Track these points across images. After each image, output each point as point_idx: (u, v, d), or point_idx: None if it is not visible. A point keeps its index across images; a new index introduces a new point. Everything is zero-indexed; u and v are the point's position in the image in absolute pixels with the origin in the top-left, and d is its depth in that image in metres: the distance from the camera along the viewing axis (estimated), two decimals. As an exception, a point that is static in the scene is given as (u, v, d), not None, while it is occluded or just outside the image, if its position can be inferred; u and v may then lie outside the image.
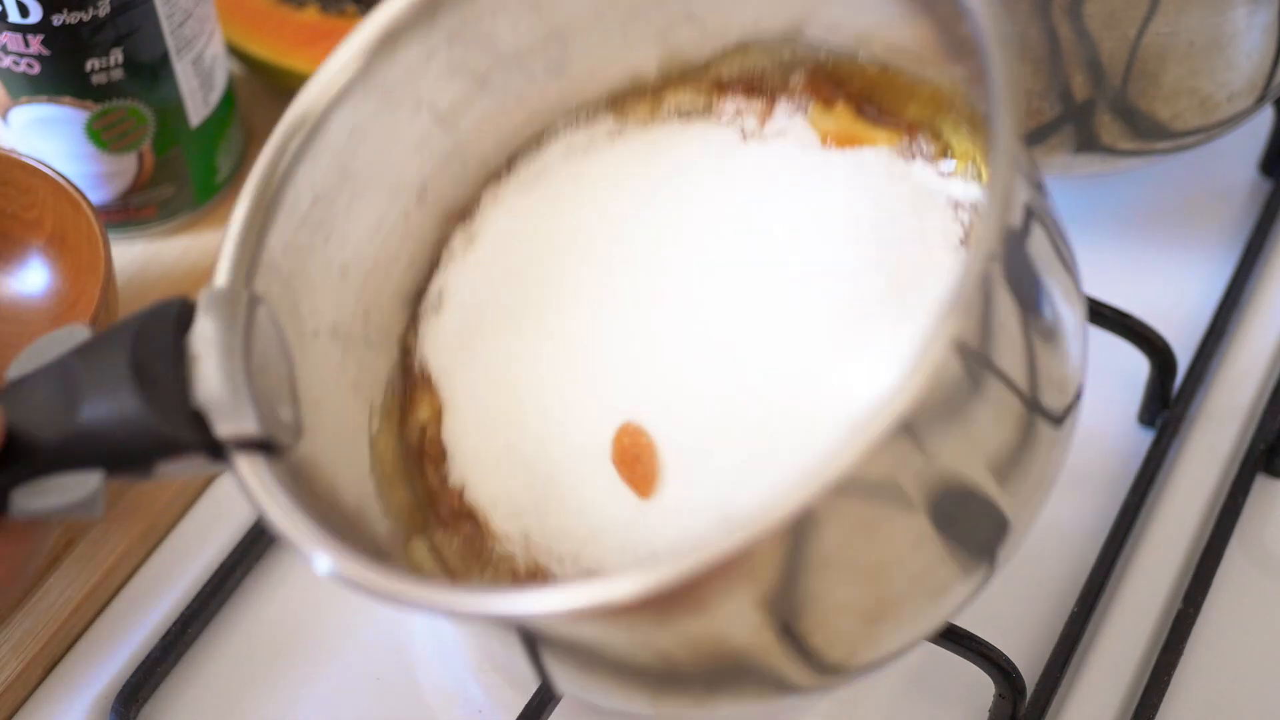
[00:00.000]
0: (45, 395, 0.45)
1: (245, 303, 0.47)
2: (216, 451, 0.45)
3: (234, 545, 0.64)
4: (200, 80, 0.72)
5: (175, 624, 0.62)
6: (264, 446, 0.45)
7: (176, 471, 0.46)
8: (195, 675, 0.62)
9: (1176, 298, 0.73)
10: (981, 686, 0.59)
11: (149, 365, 0.45)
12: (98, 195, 0.73)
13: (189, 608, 0.63)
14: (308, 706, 0.62)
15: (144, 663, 0.61)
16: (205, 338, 0.45)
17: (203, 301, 0.47)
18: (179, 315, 0.46)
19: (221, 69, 0.74)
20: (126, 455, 0.45)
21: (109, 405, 0.44)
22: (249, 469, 0.45)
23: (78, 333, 0.46)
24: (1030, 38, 0.64)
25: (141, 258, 0.74)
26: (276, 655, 0.63)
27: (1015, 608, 0.63)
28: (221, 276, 0.49)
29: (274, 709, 0.62)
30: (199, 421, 0.45)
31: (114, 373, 0.44)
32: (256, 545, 0.64)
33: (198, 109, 0.73)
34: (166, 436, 0.44)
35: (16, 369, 0.46)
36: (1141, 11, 0.63)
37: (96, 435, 0.44)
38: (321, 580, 0.64)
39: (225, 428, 0.45)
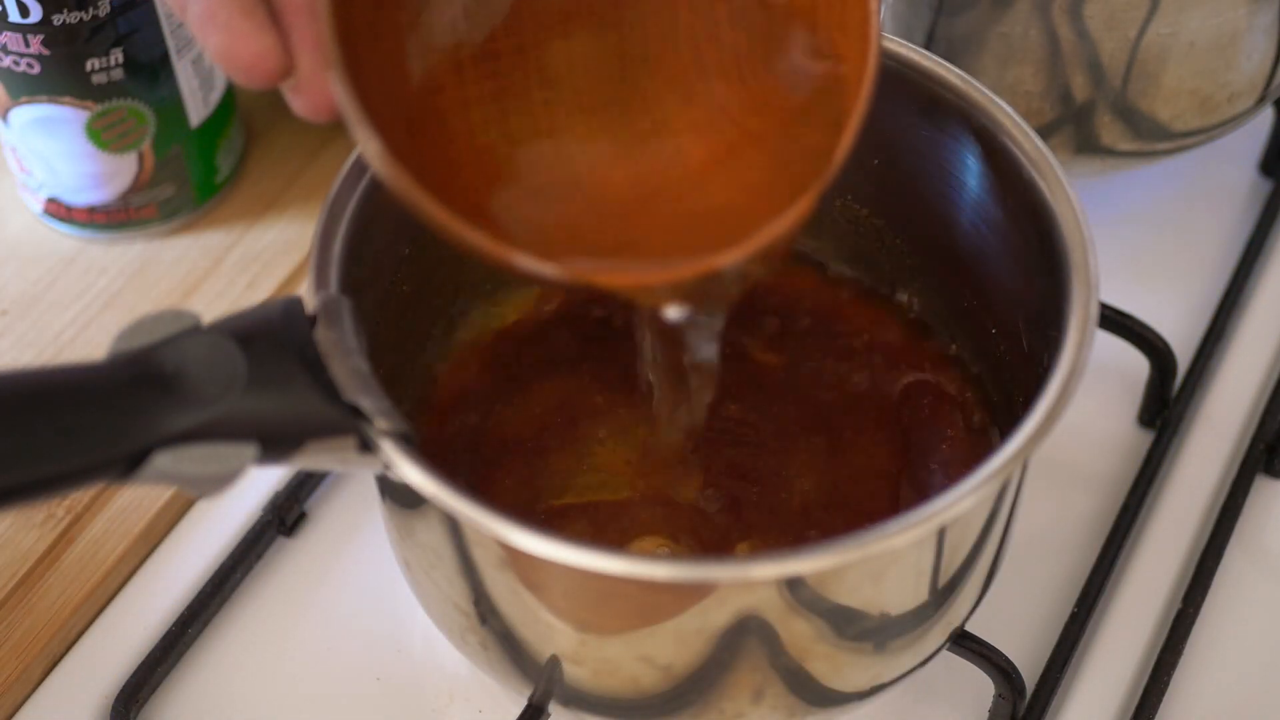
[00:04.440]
0: (210, 361, 0.45)
1: (349, 307, 0.48)
2: (367, 442, 0.47)
3: (234, 545, 0.64)
4: (200, 80, 0.72)
5: (175, 624, 0.62)
6: (403, 437, 0.47)
7: (320, 456, 0.47)
8: (195, 675, 0.62)
9: (1176, 298, 0.73)
10: (981, 687, 0.59)
11: (304, 354, 0.46)
12: (98, 195, 0.73)
13: (189, 608, 0.63)
14: (307, 706, 0.62)
15: (144, 663, 0.61)
16: (333, 339, 0.47)
17: (322, 305, 0.48)
18: (303, 314, 0.47)
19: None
20: (286, 431, 0.46)
21: (279, 383, 0.45)
22: (406, 459, 0.47)
23: (185, 316, 0.46)
24: (1030, 38, 0.64)
25: (141, 258, 0.74)
26: (276, 655, 0.63)
27: (1015, 608, 0.63)
28: (330, 283, 0.51)
29: (274, 709, 0.61)
30: (356, 412, 0.46)
31: (278, 354, 0.46)
32: (257, 545, 0.64)
33: (198, 109, 0.73)
34: (332, 419, 0.46)
35: (122, 343, 0.46)
36: (1142, 12, 0.63)
37: (259, 409, 0.45)
38: (319, 580, 0.65)
39: (382, 424, 0.46)
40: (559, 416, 0.61)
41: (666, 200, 0.51)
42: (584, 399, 0.61)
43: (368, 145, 0.46)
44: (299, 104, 0.48)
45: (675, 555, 0.57)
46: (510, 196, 0.50)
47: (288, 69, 0.47)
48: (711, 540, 0.57)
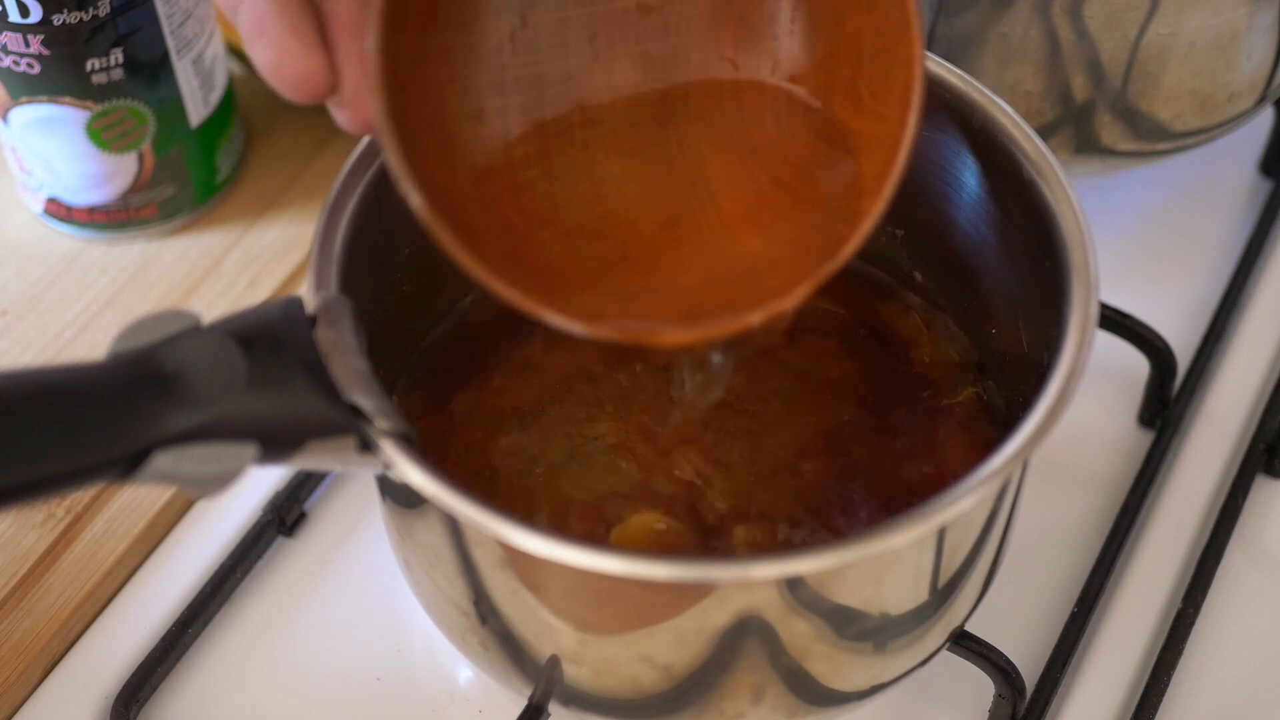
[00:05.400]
0: (210, 361, 0.45)
1: (349, 307, 0.48)
2: (367, 442, 0.47)
3: (234, 545, 0.64)
4: (200, 80, 0.72)
5: (175, 624, 0.62)
6: (403, 437, 0.47)
7: (320, 456, 0.47)
8: (195, 675, 0.62)
9: (1176, 298, 0.73)
10: (981, 687, 0.59)
11: (304, 354, 0.46)
12: (98, 195, 0.73)
13: (189, 608, 0.63)
14: (307, 706, 0.62)
15: (144, 663, 0.61)
16: (333, 339, 0.47)
17: (322, 305, 0.48)
18: (303, 314, 0.47)
19: (221, 69, 0.74)
20: (286, 431, 0.46)
21: (279, 383, 0.45)
22: (406, 459, 0.47)
23: (185, 316, 0.46)
24: (1030, 38, 0.64)
25: (141, 258, 0.74)
26: (276, 655, 0.63)
27: (1015, 608, 0.63)
28: (330, 283, 0.51)
29: (273, 709, 0.61)
30: (357, 412, 0.46)
31: (278, 354, 0.46)
32: (256, 545, 0.64)
33: (198, 109, 0.73)
34: (332, 419, 0.46)
35: (122, 343, 0.46)
36: (1142, 12, 0.63)
37: (259, 409, 0.45)
38: (319, 580, 0.65)
39: (383, 424, 0.46)
40: (559, 389, 0.60)
41: (696, 246, 0.52)
42: (584, 369, 0.61)
43: (411, 199, 0.46)
44: (342, 118, 0.48)
45: (675, 546, 0.56)
46: (545, 236, 0.51)
47: (333, 88, 0.47)
48: (710, 518, 0.57)
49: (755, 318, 0.49)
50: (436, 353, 0.61)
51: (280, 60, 0.46)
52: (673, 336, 0.49)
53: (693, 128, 0.52)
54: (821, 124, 0.51)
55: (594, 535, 0.56)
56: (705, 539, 0.56)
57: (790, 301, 0.49)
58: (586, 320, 0.48)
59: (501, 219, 0.51)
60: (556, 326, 0.48)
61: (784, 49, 0.52)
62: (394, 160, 0.46)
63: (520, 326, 0.61)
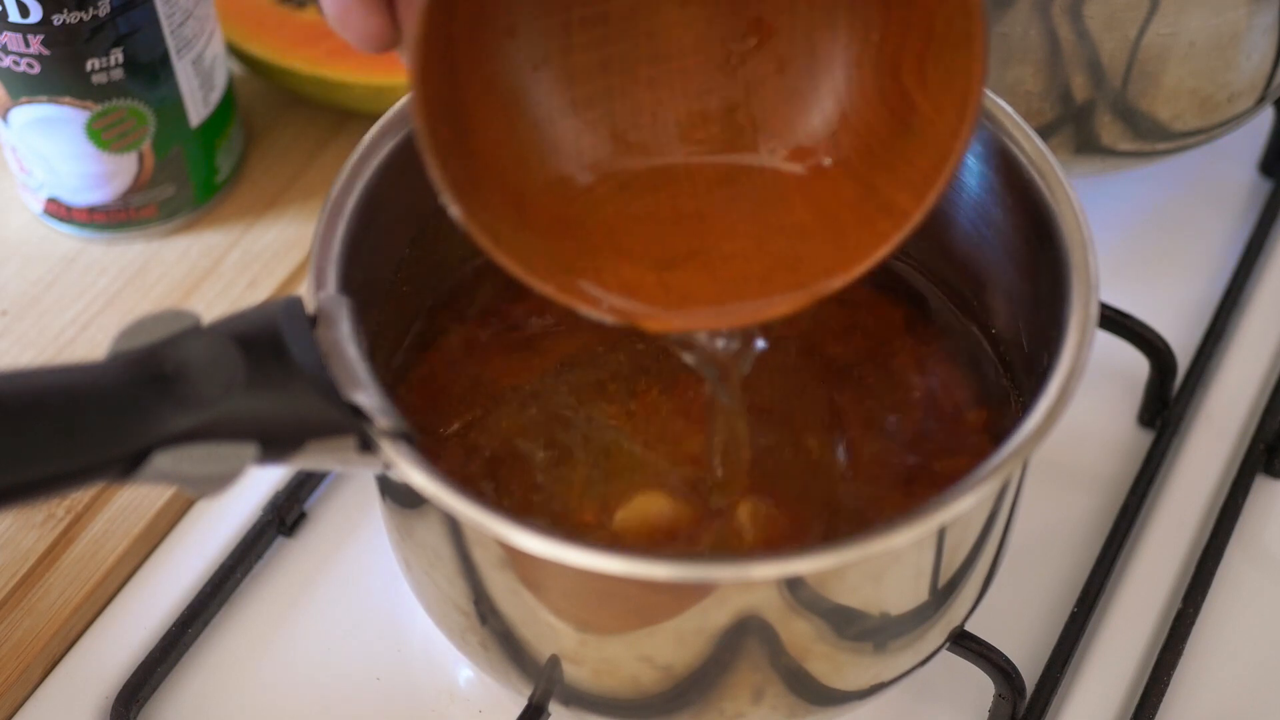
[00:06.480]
0: (210, 361, 0.45)
1: (349, 307, 0.48)
2: (367, 442, 0.47)
3: (234, 545, 0.64)
4: (200, 80, 0.72)
5: (175, 624, 0.62)
6: (403, 437, 0.47)
7: (320, 456, 0.47)
8: (195, 675, 0.62)
9: (1176, 298, 0.73)
10: (981, 687, 0.59)
11: (304, 354, 0.46)
12: (98, 195, 0.73)
13: (189, 608, 0.63)
14: (307, 706, 0.62)
15: (144, 663, 0.61)
16: (333, 339, 0.47)
17: (322, 305, 0.48)
18: (303, 314, 0.47)
19: (221, 69, 0.74)
20: (286, 431, 0.46)
21: (279, 383, 0.45)
22: (406, 459, 0.47)
23: (185, 316, 0.46)
24: (1030, 38, 0.64)
25: (141, 258, 0.74)
26: (276, 655, 0.63)
27: (1015, 608, 0.63)
28: (330, 283, 0.51)
29: (273, 709, 0.61)
30: (357, 412, 0.46)
31: (278, 354, 0.46)
32: (257, 545, 0.64)
33: (198, 109, 0.73)
34: (332, 419, 0.46)
35: (122, 343, 0.46)
36: (1142, 12, 0.63)
37: (259, 409, 0.45)
38: (319, 580, 0.65)
39: (384, 423, 0.46)
40: (560, 368, 0.60)
41: (748, 207, 0.51)
42: (586, 348, 0.60)
43: (451, 208, 0.47)
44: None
45: (679, 525, 0.56)
46: (600, 191, 0.51)
47: (396, 41, 0.48)
48: (714, 496, 0.57)
49: (781, 309, 0.49)
50: (435, 334, 0.61)
51: (344, 14, 0.47)
52: (703, 323, 0.49)
53: (763, 71, 0.51)
54: (889, 89, 0.51)
55: (598, 517, 0.56)
56: (710, 516, 0.56)
57: (811, 298, 0.49)
58: (614, 314, 0.49)
59: (556, 174, 0.50)
60: (586, 315, 0.48)
61: (860, 23, 0.51)
62: (433, 169, 0.46)
63: (520, 303, 0.62)
